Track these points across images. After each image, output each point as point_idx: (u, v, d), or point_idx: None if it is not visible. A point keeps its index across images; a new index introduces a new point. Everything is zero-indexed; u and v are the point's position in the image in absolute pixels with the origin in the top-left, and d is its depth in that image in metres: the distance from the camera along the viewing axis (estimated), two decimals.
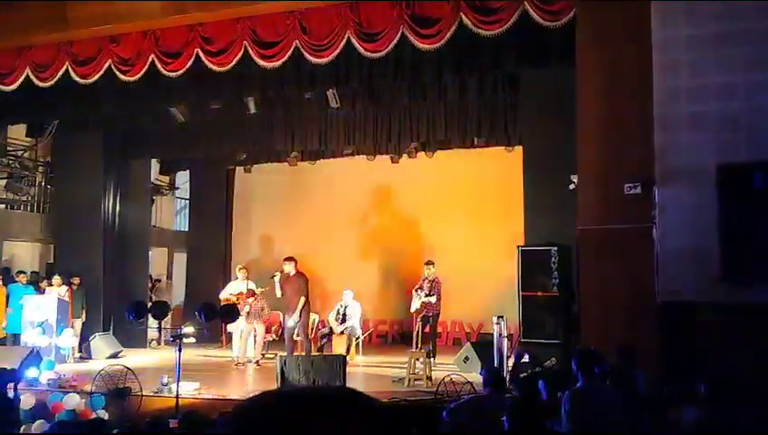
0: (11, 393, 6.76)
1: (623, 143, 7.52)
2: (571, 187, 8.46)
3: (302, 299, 10.67)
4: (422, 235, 14.78)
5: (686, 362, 6.71)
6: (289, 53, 9.20)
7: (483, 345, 9.89)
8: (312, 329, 12.78)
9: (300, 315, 10.61)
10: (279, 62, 9.29)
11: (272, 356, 11.51)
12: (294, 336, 10.88)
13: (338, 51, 9.02)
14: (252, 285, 11.48)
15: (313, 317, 12.96)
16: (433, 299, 10.87)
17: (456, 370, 9.39)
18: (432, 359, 9.76)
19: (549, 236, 8.83)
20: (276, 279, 10.87)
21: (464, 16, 8.45)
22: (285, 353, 9.92)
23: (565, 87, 8.33)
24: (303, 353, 10.48)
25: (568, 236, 8.34)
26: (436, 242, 14.26)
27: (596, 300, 7.48)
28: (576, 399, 4.84)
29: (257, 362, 11.17)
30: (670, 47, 7.21)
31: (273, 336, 12.84)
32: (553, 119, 9.20)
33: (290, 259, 10.97)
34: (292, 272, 10.84)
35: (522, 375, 7.52)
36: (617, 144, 7.56)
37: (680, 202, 7.11)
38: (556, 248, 8.56)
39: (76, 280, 12.41)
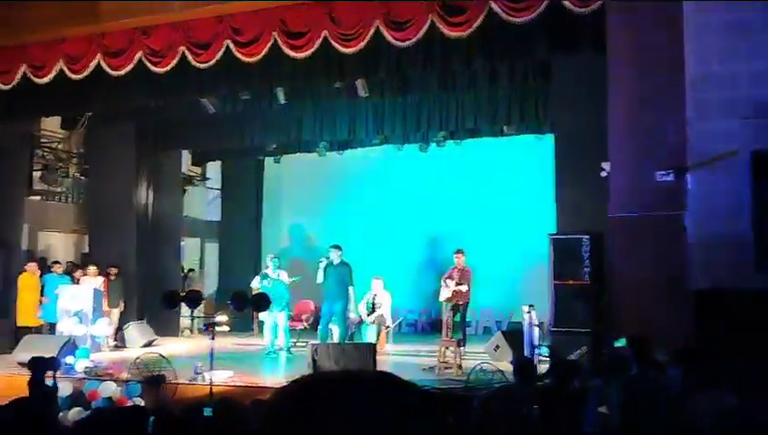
0: (49, 381, 6.90)
1: (655, 130, 7.44)
2: (603, 174, 8.38)
3: (351, 289, 10.77)
4: (452, 223, 14.74)
5: (720, 349, 6.63)
6: (318, 43, 9.22)
7: (513, 334, 9.86)
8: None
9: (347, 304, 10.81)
10: (308, 53, 9.31)
11: (303, 344, 11.60)
12: (330, 324, 10.99)
13: (366, 40, 9.02)
14: (284, 275, 11.54)
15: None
16: (464, 288, 10.85)
17: (486, 358, 9.38)
18: (462, 347, 9.76)
19: (580, 224, 8.76)
20: (322, 265, 10.94)
21: (493, 4, 8.39)
22: (317, 341, 10.00)
23: (596, 73, 8.24)
24: (337, 341, 10.56)
25: (600, 224, 8.26)
26: (465, 231, 14.22)
27: (628, 288, 7.42)
28: (630, 386, 4.80)
29: (288, 349, 11.24)
30: (702, 33, 7.09)
31: (305, 325, 12.93)
32: (585, 105, 9.12)
33: (336, 247, 11.03)
34: (337, 260, 10.90)
35: (554, 362, 7.48)
36: (648, 131, 7.48)
37: (713, 189, 7.02)
38: (588, 236, 8.49)
39: (113, 270, 12.62)
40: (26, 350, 9.46)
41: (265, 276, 11.51)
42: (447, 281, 11.07)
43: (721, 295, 6.84)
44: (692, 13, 7.17)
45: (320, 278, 10.94)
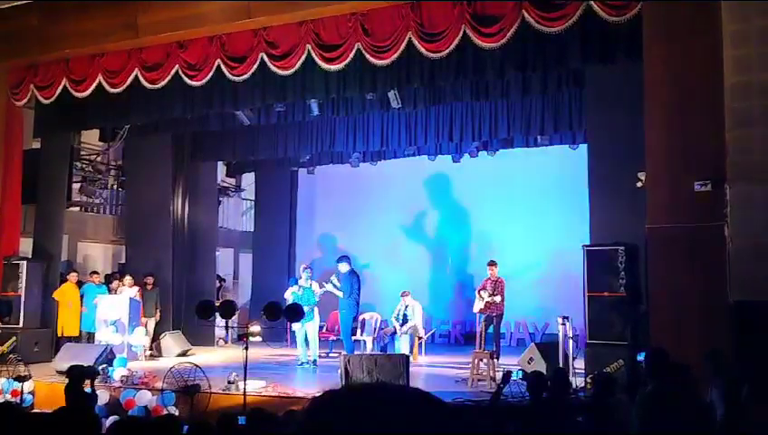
0: (88, 389, 7.00)
1: (693, 140, 7.32)
2: (639, 185, 8.28)
3: (349, 299, 11.05)
4: (485, 234, 14.68)
5: (761, 363, 6.49)
6: (351, 55, 9.28)
7: (548, 346, 9.76)
8: (375, 328, 12.85)
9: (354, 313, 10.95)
10: (341, 65, 9.38)
11: (335, 355, 11.62)
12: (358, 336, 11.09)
13: (399, 52, 9.05)
14: (315, 286, 11.59)
15: (375, 317, 13.05)
16: (498, 298, 10.80)
17: (518, 369, 9.27)
18: (496, 359, 9.69)
19: (616, 236, 8.65)
20: (334, 280, 11.16)
21: (526, 14, 8.36)
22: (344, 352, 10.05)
23: (632, 82, 8.15)
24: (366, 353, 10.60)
25: (635, 236, 8.16)
26: (499, 242, 14.15)
27: (666, 300, 7.31)
28: (647, 402, 4.71)
29: (314, 361, 11.27)
30: (742, 41, 6.98)
31: (337, 335, 12.95)
32: (620, 115, 9.01)
33: (341, 260, 11.34)
34: (345, 270, 11.15)
35: (594, 375, 7.40)
36: (686, 141, 7.37)
37: (753, 199, 6.89)
38: (623, 248, 8.39)
39: (149, 280, 12.78)
40: (66, 358, 9.62)
41: (297, 286, 11.60)
42: (481, 293, 11.03)
43: (761, 307, 6.70)
44: (732, 20, 7.06)
45: (341, 294, 11.21)
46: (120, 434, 3.29)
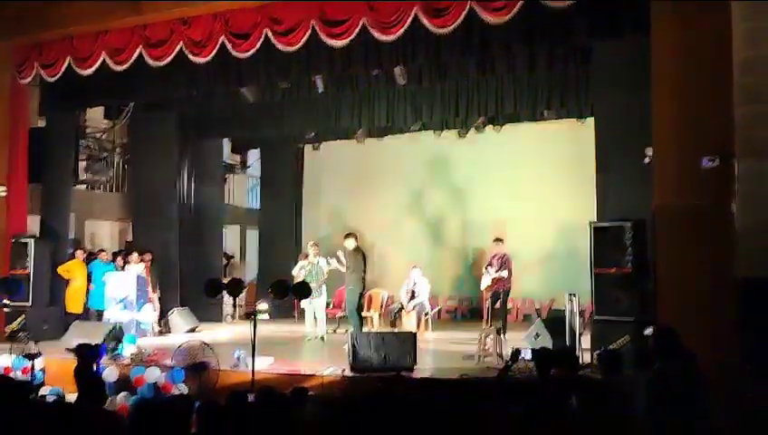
0: (95, 368, 7.05)
1: (701, 115, 7.27)
2: (646, 160, 8.24)
3: (355, 275, 10.79)
4: (491, 210, 14.63)
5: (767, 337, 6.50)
6: (356, 31, 9.20)
7: (554, 322, 9.78)
8: (382, 305, 12.90)
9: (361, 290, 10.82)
10: (346, 41, 9.31)
11: (343, 331, 11.68)
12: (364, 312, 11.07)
13: (405, 27, 8.97)
14: (323, 262, 11.61)
15: (383, 293, 13.09)
16: (505, 273, 10.81)
17: (526, 347, 9.30)
18: (502, 335, 9.71)
19: (622, 211, 8.62)
20: (340, 255, 11.07)
21: None
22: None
23: (639, 56, 8.07)
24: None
25: (643, 211, 8.13)
26: (505, 217, 14.09)
27: (673, 276, 7.31)
28: (655, 381, 4.70)
29: (322, 337, 11.35)
30: (751, 15, 6.89)
31: (344, 312, 13.01)
32: (627, 89, 8.92)
33: (347, 235, 11.11)
34: (350, 247, 10.97)
35: (601, 351, 7.40)
36: (694, 116, 7.32)
37: (762, 175, 6.84)
38: (630, 224, 8.36)
39: (147, 256, 12.62)
40: (74, 336, 9.69)
41: (306, 262, 11.64)
42: (488, 269, 11.04)
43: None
44: None
45: (343, 268, 11.06)
46: (141, 415, 3.37)
